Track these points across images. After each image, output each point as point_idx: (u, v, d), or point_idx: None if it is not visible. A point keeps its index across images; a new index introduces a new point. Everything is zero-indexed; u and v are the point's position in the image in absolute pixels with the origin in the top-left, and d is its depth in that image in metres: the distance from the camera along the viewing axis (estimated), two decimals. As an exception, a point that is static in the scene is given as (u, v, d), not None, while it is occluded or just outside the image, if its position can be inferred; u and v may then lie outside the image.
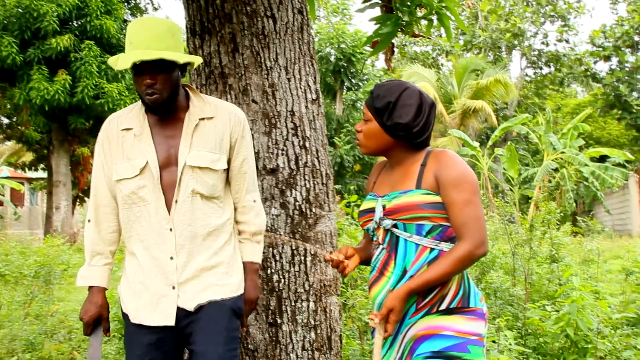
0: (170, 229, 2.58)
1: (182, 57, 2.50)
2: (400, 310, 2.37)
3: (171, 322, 2.56)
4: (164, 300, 2.57)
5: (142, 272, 2.61)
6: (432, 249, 2.41)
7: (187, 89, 2.71)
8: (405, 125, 2.46)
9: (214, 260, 2.64)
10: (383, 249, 2.50)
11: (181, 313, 2.57)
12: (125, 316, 2.67)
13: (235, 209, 2.78)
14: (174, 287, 2.57)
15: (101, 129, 2.71)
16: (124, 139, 2.63)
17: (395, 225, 2.45)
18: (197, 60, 2.59)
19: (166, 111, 2.61)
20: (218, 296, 2.62)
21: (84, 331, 2.68)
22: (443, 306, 2.41)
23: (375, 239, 2.56)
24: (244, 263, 2.76)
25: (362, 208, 2.62)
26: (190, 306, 2.57)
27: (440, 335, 2.36)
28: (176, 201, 2.58)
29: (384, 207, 2.48)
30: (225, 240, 2.69)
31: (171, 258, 2.58)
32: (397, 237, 2.45)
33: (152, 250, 2.59)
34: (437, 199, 2.41)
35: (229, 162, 2.71)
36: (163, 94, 2.53)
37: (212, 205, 2.66)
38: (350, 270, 2.59)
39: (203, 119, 2.65)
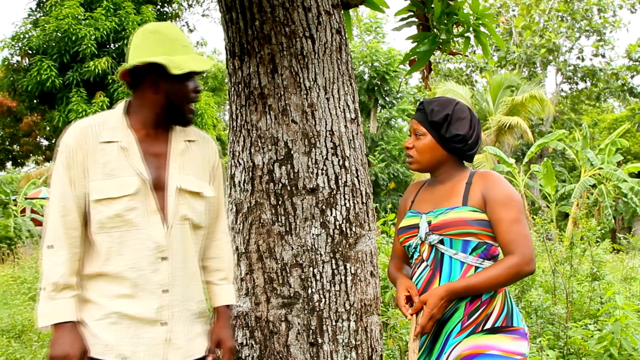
0: (163, 258, 2.32)
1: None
2: (433, 305, 2.37)
3: None
4: (151, 337, 2.30)
5: (121, 304, 2.29)
6: (476, 267, 2.42)
7: None
8: (463, 137, 2.53)
9: (202, 299, 2.47)
10: (427, 266, 2.50)
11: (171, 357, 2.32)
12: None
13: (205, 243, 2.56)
14: (164, 324, 2.32)
15: (67, 139, 2.33)
16: (103, 153, 2.31)
17: (441, 242, 2.45)
18: None
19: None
20: (204, 350, 2.44)
21: None
22: (488, 325, 2.41)
23: (417, 256, 2.56)
24: (219, 308, 2.52)
25: (402, 225, 2.63)
26: (182, 357, 2.34)
27: (486, 355, 2.36)
28: (169, 227, 2.33)
29: (429, 223, 2.49)
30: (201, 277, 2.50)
31: (164, 291, 2.32)
32: (442, 254, 2.46)
33: (140, 281, 2.29)
34: (484, 216, 2.44)
35: None
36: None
37: (198, 236, 2.46)
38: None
39: (189, 141, 2.47)
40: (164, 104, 2.38)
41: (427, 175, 2.73)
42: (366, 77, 30.54)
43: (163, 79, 2.36)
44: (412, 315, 2.45)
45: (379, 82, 30.73)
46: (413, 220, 2.58)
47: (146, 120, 2.41)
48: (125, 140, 2.34)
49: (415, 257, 2.57)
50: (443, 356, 2.45)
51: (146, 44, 2.38)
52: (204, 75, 36.42)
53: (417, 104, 2.68)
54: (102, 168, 2.30)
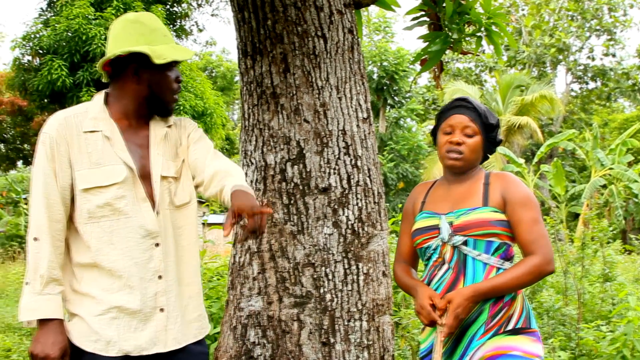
0: (157, 244, 2.33)
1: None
2: (458, 304, 2.37)
3: (162, 348, 2.31)
4: (152, 326, 2.31)
5: (120, 297, 2.27)
6: (498, 268, 2.42)
7: None
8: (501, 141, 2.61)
9: (195, 281, 2.47)
10: (449, 268, 2.48)
11: (170, 343, 2.35)
12: (82, 354, 2.27)
13: (200, 183, 2.42)
14: (162, 310, 2.33)
15: (49, 129, 2.30)
16: (87, 142, 2.30)
17: (464, 243, 2.45)
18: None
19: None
20: (203, 332, 2.48)
21: None
22: (510, 326, 2.43)
23: (435, 258, 2.54)
24: (236, 192, 2.16)
25: (419, 226, 2.61)
26: (181, 340, 2.37)
27: (509, 355, 2.37)
28: (157, 213, 2.34)
29: (450, 223, 2.48)
30: (197, 254, 2.50)
31: (160, 277, 2.33)
32: (465, 255, 2.45)
33: (135, 270, 2.29)
34: (504, 217, 2.46)
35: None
36: None
37: (183, 215, 2.44)
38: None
39: (169, 126, 2.48)
40: (147, 94, 2.39)
41: (436, 176, 2.74)
42: (375, 76, 30.53)
43: (145, 69, 2.36)
44: (440, 317, 2.42)
45: (388, 82, 30.71)
46: (431, 221, 2.57)
47: (127, 110, 2.41)
48: (108, 130, 2.34)
49: (433, 259, 2.55)
50: (465, 358, 2.45)
51: (127, 34, 2.37)
52: (213, 74, 36.47)
53: (456, 99, 2.66)
54: (88, 157, 2.29)
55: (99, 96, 2.43)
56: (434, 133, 2.76)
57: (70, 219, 2.32)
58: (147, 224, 2.32)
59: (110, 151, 2.31)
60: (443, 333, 2.38)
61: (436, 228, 2.53)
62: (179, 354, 2.37)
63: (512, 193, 2.48)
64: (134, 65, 2.36)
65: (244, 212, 2.05)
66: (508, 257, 2.48)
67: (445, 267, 2.50)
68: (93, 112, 2.36)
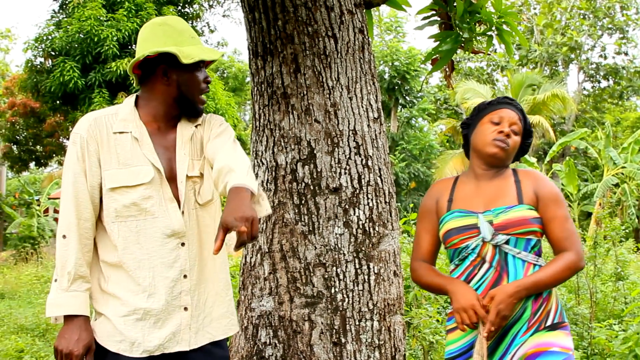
0: (183, 244, 2.35)
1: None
2: (501, 300, 2.37)
3: (185, 347, 2.33)
4: (176, 325, 2.33)
5: (146, 299, 2.30)
6: (534, 265, 2.45)
7: None
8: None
9: (221, 277, 2.49)
10: (490, 267, 2.47)
11: (193, 341, 2.36)
12: (106, 353, 2.31)
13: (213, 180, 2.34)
14: (186, 309, 2.35)
15: (80, 130, 2.35)
16: (116, 143, 2.34)
17: (506, 242, 2.46)
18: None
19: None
20: (233, 330, 2.51)
21: None
22: (549, 322, 2.46)
23: (473, 257, 2.51)
24: (229, 195, 2.09)
25: (454, 226, 2.56)
26: (205, 338, 2.39)
27: (550, 352, 2.39)
28: (183, 212, 2.35)
29: (489, 222, 2.48)
30: (224, 251, 2.43)
31: (185, 276, 2.34)
32: (506, 254, 2.46)
33: (160, 270, 2.31)
34: (537, 214, 2.48)
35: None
36: None
37: (207, 213, 2.45)
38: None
39: (197, 125, 2.47)
40: (176, 95, 2.42)
41: (447, 175, 2.73)
42: (386, 76, 30.46)
43: (174, 70, 2.39)
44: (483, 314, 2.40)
45: (400, 82, 30.63)
46: (466, 220, 2.53)
47: (157, 112, 2.43)
48: (137, 132, 2.37)
49: (471, 258, 2.52)
50: (507, 356, 2.45)
51: (155, 37, 2.40)
52: (225, 75, 36.53)
53: (505, 97, 2.67)
54: (117, 158, 2.33)
55: (130, 99, 2.47)
56: (467, 124, 2.73)
57: (99, 218, 2.37)
58: (174, 224, 2.34)
59: (138, 152, 2.34)
60: (486, 329, 2.37)
61: (474, 227, 2.50)
62: (201, 355, 2.39)
63: (543, 190, 2.51)
64: (162, 67, 2.39)
65: (230, 227, 1.98)
66: (540, 253, 2.51)
67: (486, 266, 2.47)
68: (123, 114, 2.40)
